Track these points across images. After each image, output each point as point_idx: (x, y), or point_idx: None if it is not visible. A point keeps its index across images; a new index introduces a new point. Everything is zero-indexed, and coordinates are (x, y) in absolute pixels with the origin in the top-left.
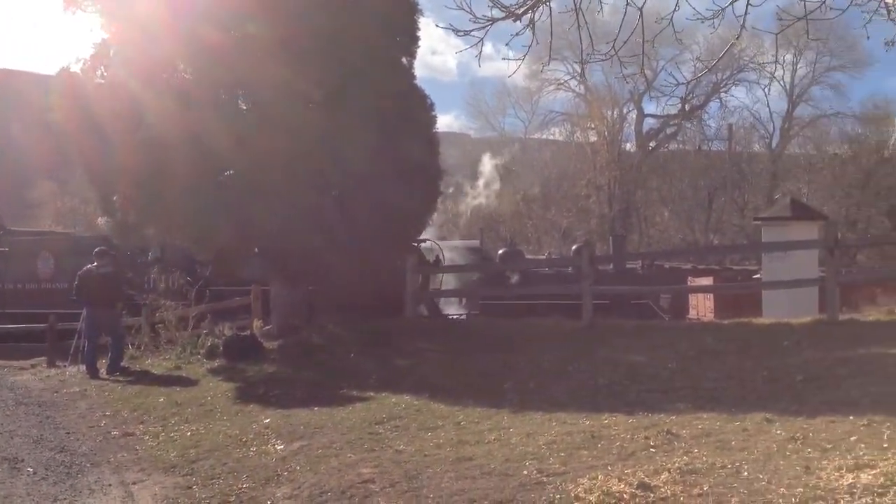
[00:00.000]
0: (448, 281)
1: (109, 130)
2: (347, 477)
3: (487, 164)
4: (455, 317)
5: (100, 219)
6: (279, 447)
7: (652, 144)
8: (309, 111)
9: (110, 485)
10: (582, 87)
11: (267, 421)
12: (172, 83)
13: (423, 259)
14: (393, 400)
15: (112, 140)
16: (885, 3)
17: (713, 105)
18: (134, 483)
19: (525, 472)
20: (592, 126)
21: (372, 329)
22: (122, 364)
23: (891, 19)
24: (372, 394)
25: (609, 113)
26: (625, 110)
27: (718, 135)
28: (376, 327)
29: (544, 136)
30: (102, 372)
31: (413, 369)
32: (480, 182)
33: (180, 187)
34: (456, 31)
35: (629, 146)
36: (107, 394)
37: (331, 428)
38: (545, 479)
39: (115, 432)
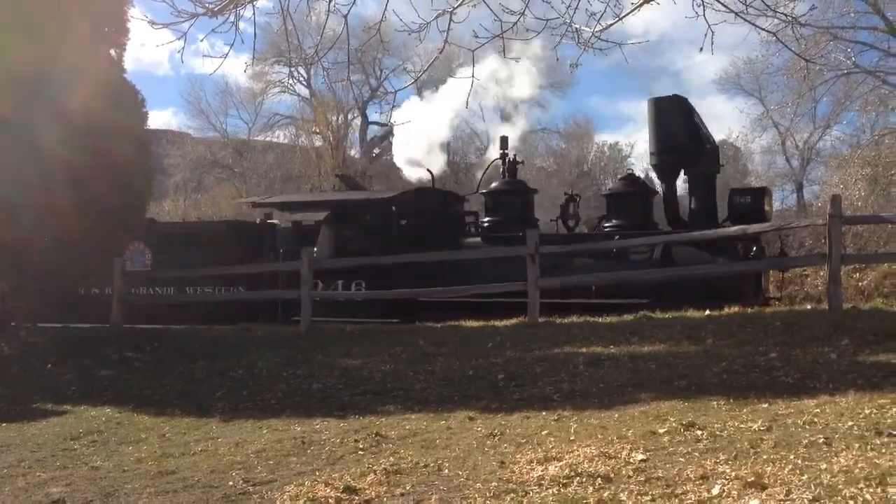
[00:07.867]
0: None
1: None
2: (35, 497)
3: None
4: None
5: None
6: None
7: (376, 151)
8: None
9: None
10: (307, 90)
11: None
12: None
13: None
14: (92, 413)
15: None
16: (575, 29)
17: None
18: None
19: (231, 483)
20: (317, 131)
21: (74, 337)
22: None
23: (579, 44)
24: (69, 407)
25: (334, 118)
26: (350, 116)
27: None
28: (79, 335)
29: (268, 139)
30: None
31: (116, 380)
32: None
33: None
34: (152, 24)
35: (354, 152)
36: None
37: (20, 445)
38: (251, 488)
39: None
